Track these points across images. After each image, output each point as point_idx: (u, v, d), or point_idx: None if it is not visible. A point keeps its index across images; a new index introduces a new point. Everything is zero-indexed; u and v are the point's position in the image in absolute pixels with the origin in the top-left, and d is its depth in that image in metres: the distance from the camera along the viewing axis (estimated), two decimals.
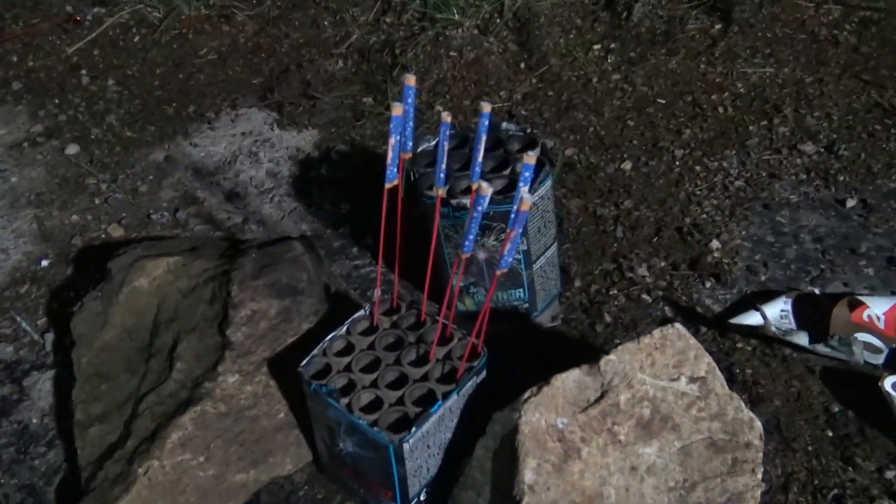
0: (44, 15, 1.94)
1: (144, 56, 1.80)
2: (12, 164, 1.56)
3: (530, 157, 0.67)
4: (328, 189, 1.42)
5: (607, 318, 1.12)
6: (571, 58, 1.64)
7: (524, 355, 1.06)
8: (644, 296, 1.15)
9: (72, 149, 1.57)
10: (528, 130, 1.05)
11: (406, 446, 0.77)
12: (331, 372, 0.82)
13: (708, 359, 0.78)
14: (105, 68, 1.78)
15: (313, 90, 1.64)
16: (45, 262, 1.33)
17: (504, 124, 1.05)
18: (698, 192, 1.32)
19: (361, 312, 0.88)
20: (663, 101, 1.52)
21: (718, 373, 0.78)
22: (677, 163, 1.38)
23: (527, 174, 0.68)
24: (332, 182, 1.44)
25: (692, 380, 0.77)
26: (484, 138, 0.71)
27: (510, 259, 0.72)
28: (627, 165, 1.39)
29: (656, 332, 0.78)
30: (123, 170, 1.52)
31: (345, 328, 0.87)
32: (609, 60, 1.63)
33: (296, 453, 0.94)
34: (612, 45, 1.67)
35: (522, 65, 1.64)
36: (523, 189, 0.68)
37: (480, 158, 0.73)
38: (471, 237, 0.72)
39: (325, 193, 1.41)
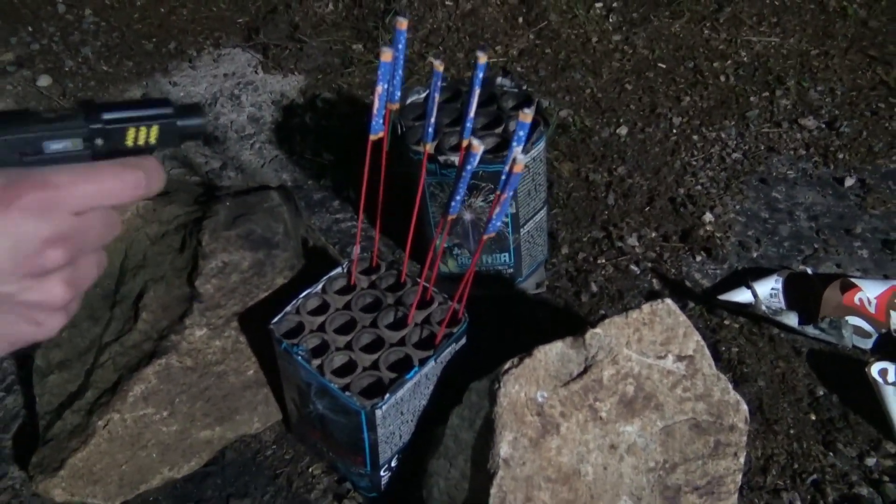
0: None
1: None
2: None
3: (525, 115, 0.62)
4: (311, 138, 1.37)
5: (593, 288, 1.09)
6: (572, 15, 1.58)
7: (506, 322, 1.03)
8: (632, 266, 1.11)
9: (43, 80, 1.49)
10: (524, 87, 1.00)
11: (378, 413, 0.73)
12: (303, 331, 0.78)
13: (697, 337, 0.75)
14: None
15: (301, 33, 1.56)
16: None
17: (498, 80, 1.00)
18: (694, 163, 1.28)
19: (339, 270, 0.84)
20: (664, 66, 1.47)
21: (707, 352, 0.75)
22: (674, 131, 1.34)
23: (521, 133, 0.63)
24: (316, 131, 1.38)
25: (679, 358, 0.74)
26: (477, 91, 0.66)
27: (498, 223, 0.68)
28: (623, 130, 1.34)
29: (645, 307, 0.75)
30: None
31: (320, 286, 0.82)
32: (610, 20, 1.57)
33: (264, 412, 0.90)
34: (615, 4, 1.60)
35: (521, 19, 1.58)
36: (516, 149, 0.64)
37: (473, 113, 0.68)
38: (458, 198, 0.67)
39: (308, 143, 1.36)
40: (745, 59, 1.47)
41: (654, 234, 1.16)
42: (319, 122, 1.40)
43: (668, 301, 0.76)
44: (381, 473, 0.82)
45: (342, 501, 0.86)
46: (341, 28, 1.59)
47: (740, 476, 0.72)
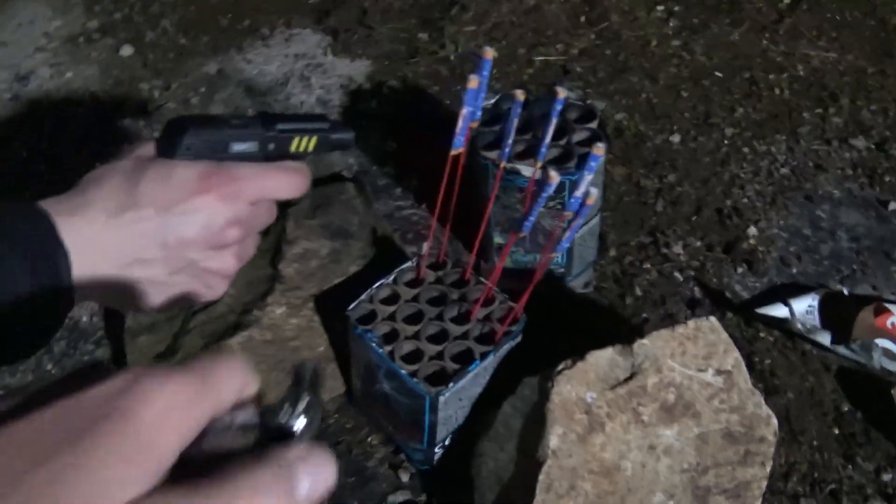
0: None
1: None
2: (67, 59, 1.57)
3: (598, 149, 0.68)
4: (376, 124, 1.44)
5: (637, 291, 1.15)
6: (633, 16, 1.62)
7: (555, 319, 1.10)
8: (676, 273, 1.18)
9: (126, 50, 1.58)
10: (588, 101, 1.06)
11: (441, 399, 0.82)
12: (376, 318, 0.87)
13: (736, 354, 0.82)
14: None
15: (370, 19, 1.63)
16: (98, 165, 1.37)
17: (558, 87, 1.06)
18: (743, 175, 1.33)
19: (409, 264, 0.92)
20: (720, 75, 1.51)
21: (744, 368, 0.82)
22: (726, 141, 1.39)
23: (592, 164, 0.70)
24: (381, 117, 1.45)
25: (718, 372, 0.81)
26: (554, 123, 0.73)
27: (566, 245, 0.75)
28: (676, 138, 1.39)
29: (691, 323, 0.82)
30: (176, 78, 1.53)
31: (392, 277, 0.90)
32: (671, 24, 1.61)
33: (331, 385, 0.99)
34: (676, 8, 1.64)
35: (583, 18, 1.62)
36: (587, 178, 0.70)
37: (548, 142, 0.75)
38: (531, 219, 0.74)
39: (373, 128, 1.43)
40: (801, 72, 1.50)
41: (698, 244, 1.22)
42: (384, 108, 1.47)
43: (713, 319, 0.83)
44: (436, 450, 0.91)
45: (397, 470, 0.95)
46: (408, 16, 1.64)
47: (765, 483, 0.80)
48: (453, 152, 0.77)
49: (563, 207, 0.74)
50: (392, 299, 0.89)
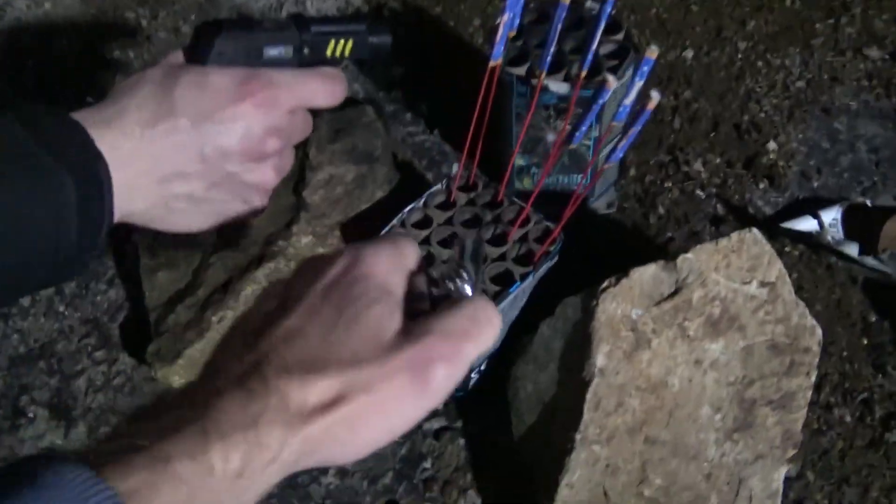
0: None
1: None
2: None
3: (652, 52, 0.65)
4: None
5: (660, 210, 1.14)
6: None
7: (582, 239, 1.08)
8: (698, 191, 1.16)
9: None
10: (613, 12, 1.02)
11: None
12: None
13: (779, 265, 0.80)
14: None
15: None
16: (89, 100, 1.30)
17: (588, 2, 1.01)
18: (758, 90, 1.30)
19: (438, 186, 0.89)
20: None
21: (787, 280, 0.81)
22: (739, 56, 1.35)
23: (645, 69, 0.67)
24: None
25: (763, 284, 0.80)
26: (602, 26, 0.69)
27: (621, 154, 0.72)
28: (689, 54, 1.35)
29: (734, 236, 0.80)
30: (164, 6, 1.45)
31: (422, 201, 0.87)
32: None
33: None
34: None
35: None
36: (638, 83, 0.67)
37: (594, 48, 0.71)
38: (583, 129, 0.71)
39: None
40: None
41: (718, 160, 1.20)
42: None
43: (755, 231, 0.82)
44: (472, 375, 0.90)
45: None
46: None
47: (810, 392, 0.80)
48: (492, 63, 0.73)
49: (579, 124, 0.71)
50: (424, 223, 0.86)
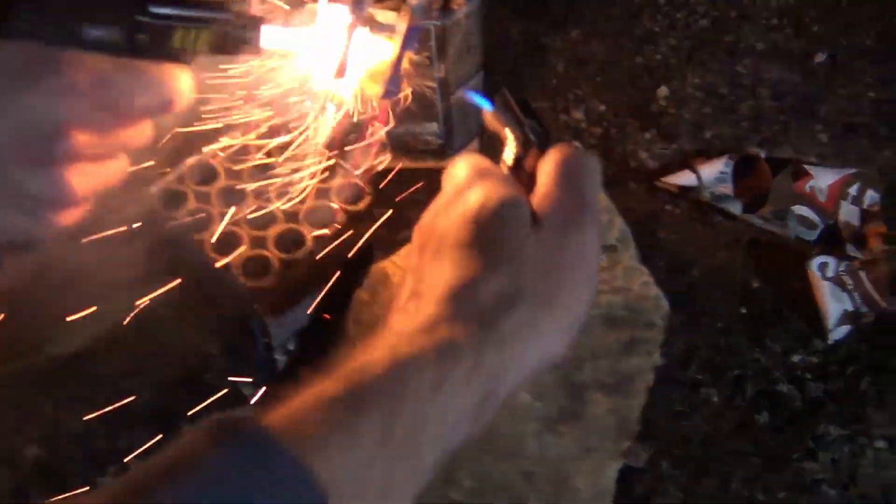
0: None
1: None
2: None
3: None
4: None
5: None
6: None
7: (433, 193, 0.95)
8: (575, 142, 1.03)
9: None
10: None
11: None
12: None
13: (622, 225, 0.68)
14: None
15: None
16: None
17: None
18: (657, 30, 1.16)
19: None
20: None
21: (632, 242, 0.69)
22: None
23: None
24: None
25: (601, 248, 0.67)
26: None
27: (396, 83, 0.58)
28: None
29: None
30: None
31: None
32: None
33: None
34: None
35: None
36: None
37: None
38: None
39: None
40: None
41: (603, 107, 1.07)
42: None
43: None
44: (276, 357, 0.78)
45: None
46: None
47: (652, 375, 0.69)
48: None
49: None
50: None
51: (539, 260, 0.39)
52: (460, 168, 0.45)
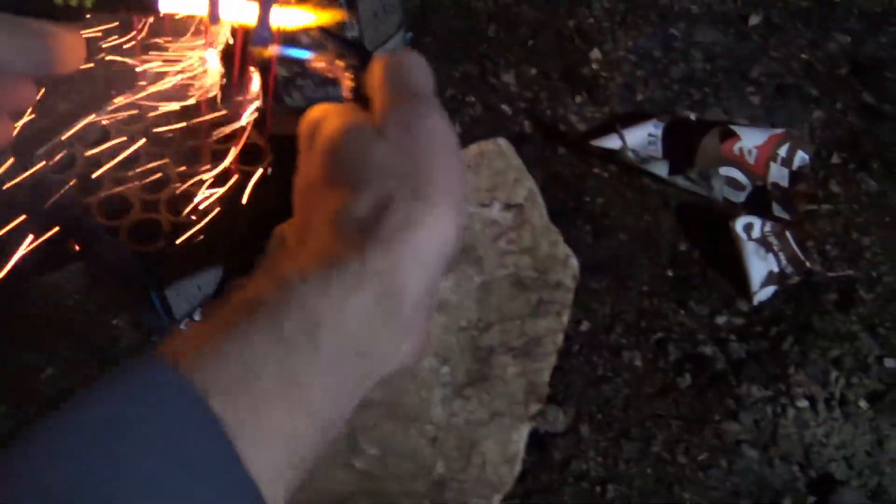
0: None
1: None
2: None
3: None
4: None
5: (457, 128, 0.98)
6: None
7: None
8: (504, 106, 1.01)
9: None
10: None
11: None
12: None
13: (530, 184, 0.66)
14: None
15: None
16: None
17: None
18: None
19: None
20: None
21: (540, 200, 0.66)
22: None
23: None
24: None
25: (507, 206, 0.65)
26: None
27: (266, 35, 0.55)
28: None
29: (473, 148, 0.66)
30: None
31: None
32: None
33: None
34: None
35: None
36: None
37: None
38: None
39: None
40: None
41: (534, 71, 1.05)
42: None
43: (501, 141, 0.67)
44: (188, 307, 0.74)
45: None
46: None
47: (561, 337, 0.66)
48: None
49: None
50: None
51: (396, 160, 0.38)
52: (303, 125, 0.44)
